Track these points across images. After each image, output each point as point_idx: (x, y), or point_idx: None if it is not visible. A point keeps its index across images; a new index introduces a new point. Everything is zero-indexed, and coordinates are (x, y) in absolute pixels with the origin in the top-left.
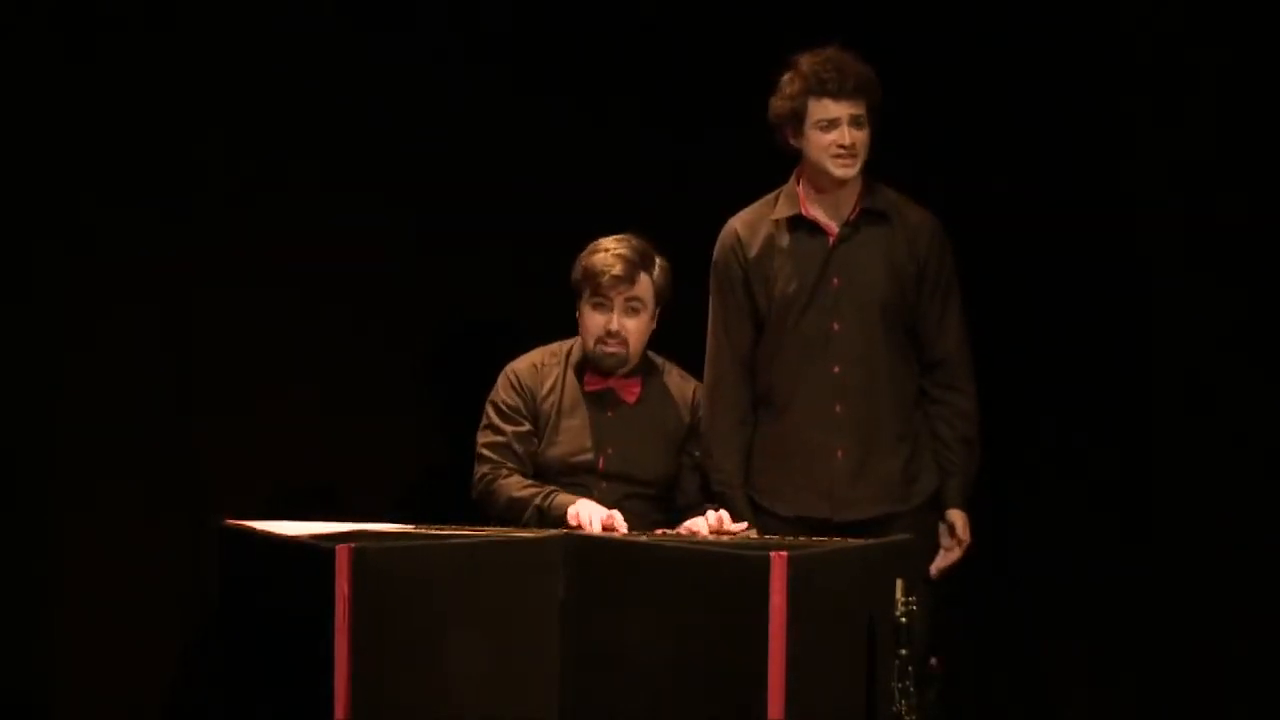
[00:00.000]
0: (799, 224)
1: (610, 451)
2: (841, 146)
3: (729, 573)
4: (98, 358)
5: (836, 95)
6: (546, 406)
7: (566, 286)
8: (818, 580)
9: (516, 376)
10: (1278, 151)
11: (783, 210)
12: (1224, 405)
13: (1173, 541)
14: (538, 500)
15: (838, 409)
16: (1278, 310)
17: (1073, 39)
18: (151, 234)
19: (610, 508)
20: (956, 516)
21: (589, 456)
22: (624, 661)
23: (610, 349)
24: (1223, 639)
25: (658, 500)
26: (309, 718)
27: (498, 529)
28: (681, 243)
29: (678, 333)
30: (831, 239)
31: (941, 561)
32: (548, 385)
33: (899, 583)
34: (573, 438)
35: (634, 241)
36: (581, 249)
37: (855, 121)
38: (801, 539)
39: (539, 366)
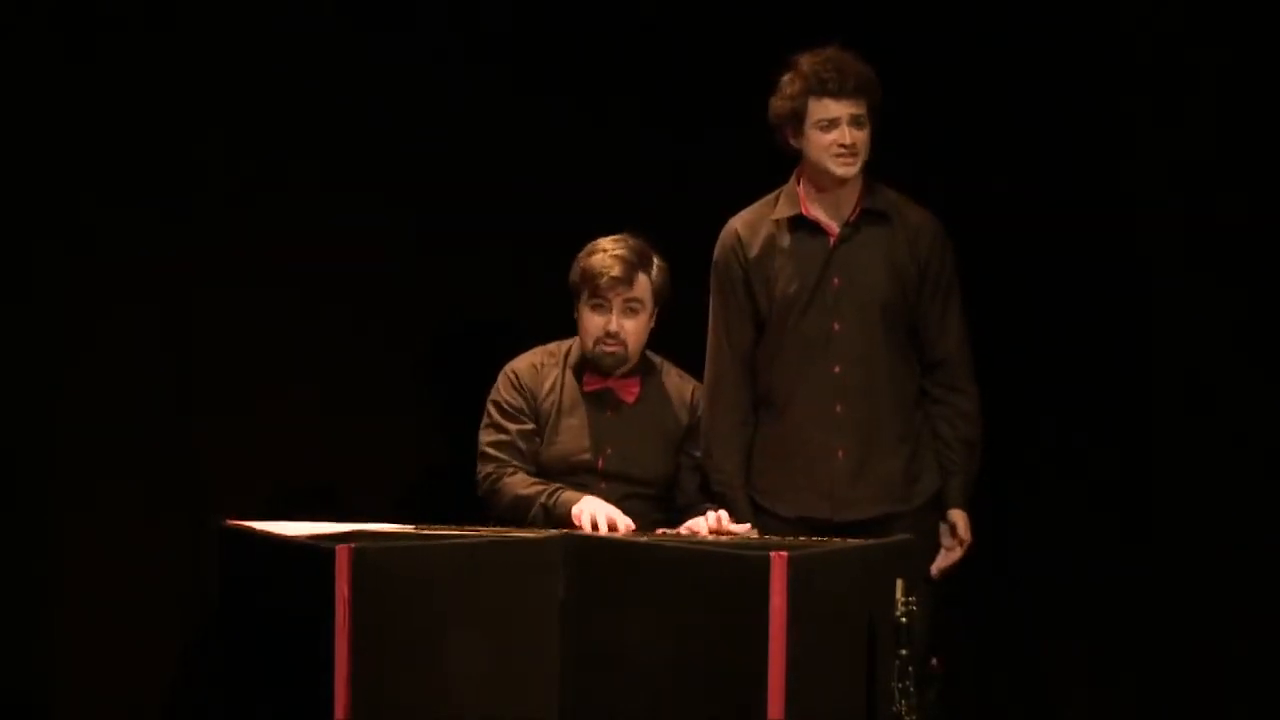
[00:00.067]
0: (800, 224)
1: (609, 451)
2: (842, 146)
3: (729, 573)
4: (98, 358)
5: (836, 95)
6: (546, 406)
7: (566, 286)
8: (818, 580)
9: (517, 376)
10: (1278, 151)
11: (783, 210)
12: (1224, 405)
13: (1173, 541)
14: (543, 498)
15: (838, 409)
16: (1278, 310)
17: (1073, 39)
18: (151, 234)
19: None
20: (958, 517)
21: (588, 456)
22: (624, 662)
23: (609, 350)
24: (1223, 639)
25: (657, 500)
26: (309, 718)
27: (497, 529)
28: (681, 243)
29: (677, 333)
30: (832, 239)
31: (943, 561)
32: (547, 385)
33: (899, 583)
34: (572, 438)
35: (632, 242)
36: (581, 249)
37: (855, 121)
38: (802, 539)
39: (538, 367)
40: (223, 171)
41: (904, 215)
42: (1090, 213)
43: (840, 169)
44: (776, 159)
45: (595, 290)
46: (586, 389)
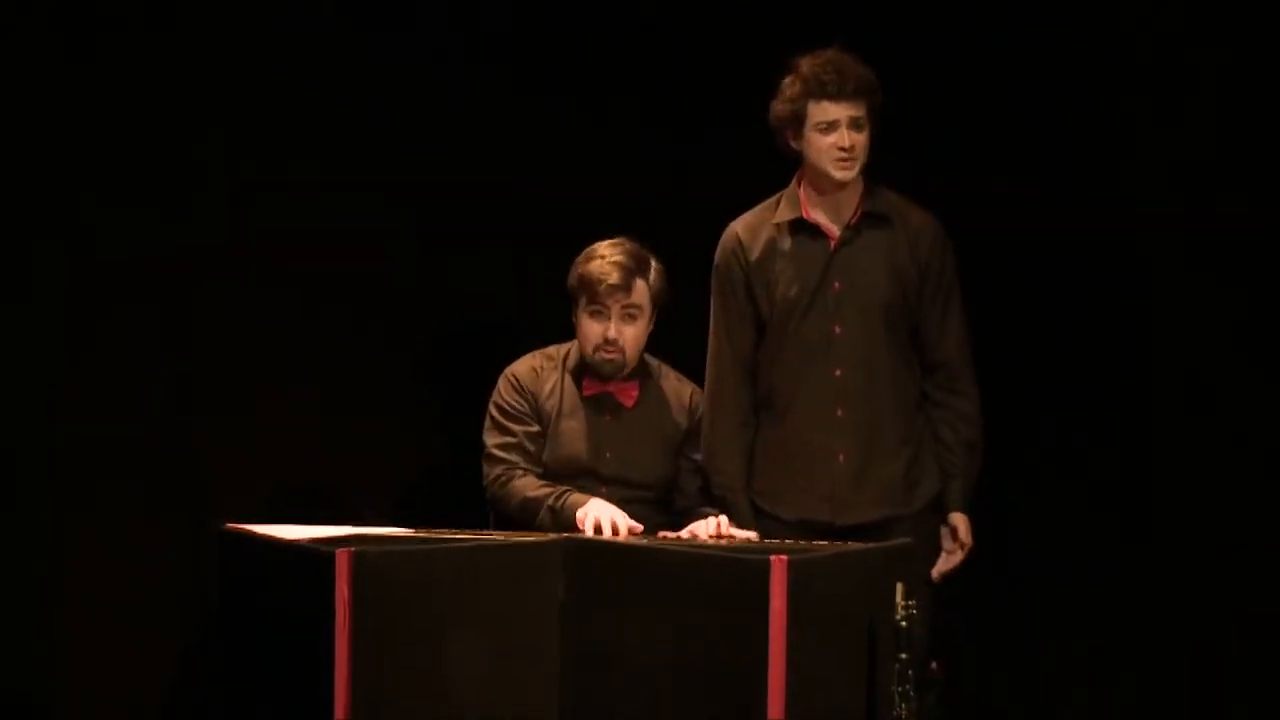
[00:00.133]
0: (800, 227)
1: (609, 455)
2: (841, 149)
3: (729, 577)
4: (98, 358)
5: (836, 97)
6: (547, 409)
7: (565, 288)
8: (818, 584)
9: (517, 379)
10: (1278, 151)
11: (784, 214)
12: (1224, 405)
13: (1173, 541)
14: (550, 500)
15: (839, 412)
16: (1278, 310)
17: (1073, 39)
18: (151, 234)
19: None
20: (958, 520)
21: (588, 461)
22: (624, 663)
23: (609, 356)
24: (1223, 639)
25: (656, 504)
26: None
27: (496, 533)
28: (681, 243)
29: (677, 334)
30: (833, 242)
31: (943, 565)
32: (547, 388)
33: (899, 587)
34: (572, 442)
35: (628, 246)
36: (581, 249)
37: (855, 124)
38: (802, 543)
39: (538, 370)
40: (223, 171)
41: (905, 217)
42: (1090, 213)
43: (839, 172)
44: (777, 160)
45: (593, 297)
46: (585, 393)
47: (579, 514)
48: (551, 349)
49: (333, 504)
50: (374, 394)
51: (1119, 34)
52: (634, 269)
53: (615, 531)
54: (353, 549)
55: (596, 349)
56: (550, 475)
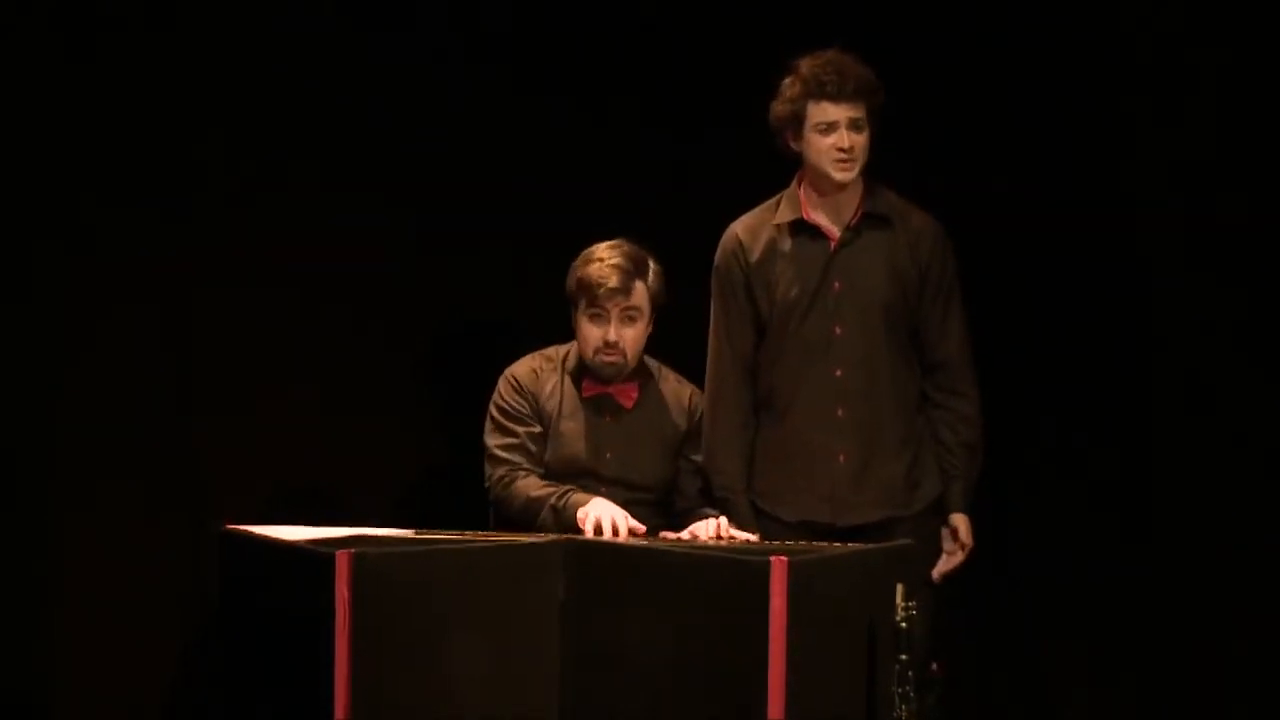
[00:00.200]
0: (801, 228)
1: (609, 457)
2: (840, 150)
3: (729, 577)
4: (98, 358)
5: (835, 98)
6: (548, 411)
7: (564, 289)
8: (818, 586)
9: (517, 380)
10: (1278, 151)
11: (784, 215)
12: (1224, 405)
13: (1173, 541)
14: (553, 500)
15: (839, 413)
16: (1278, 310)
17: (1073, 39)
18: (151, 234)
19: None
20: (959, 521)
21: (589, 462)
22: (624, 663)
23: (609, 360)
24: (1223, 639)
25: (656, 505)
26: None
27: (496, 534)
28: (681, 244)
29: (677, 335)
30: (833, 243)
31: (944, 566)
32: (547, 390)
33: (899, 588)
34: (572, 443)
35: (626, 248)
36: (581, 249)
37: (854, 125)
38: (802, 544)
39: (538, 372)
40: (223, 171)
41: (905, 219)
42: (1090, 213)
43: (839, 174)
44: (777, 160)
45: (593, 301)
46: (585, 394)
47: (580, 513)
48: (550, 350)
49: (333, 504)
50: (374, 394)
51: (1119, 34)
52: (633, 271)
53: (615, 531)
54: (353, 550)
55: (597, 352)
56: (551, 476)
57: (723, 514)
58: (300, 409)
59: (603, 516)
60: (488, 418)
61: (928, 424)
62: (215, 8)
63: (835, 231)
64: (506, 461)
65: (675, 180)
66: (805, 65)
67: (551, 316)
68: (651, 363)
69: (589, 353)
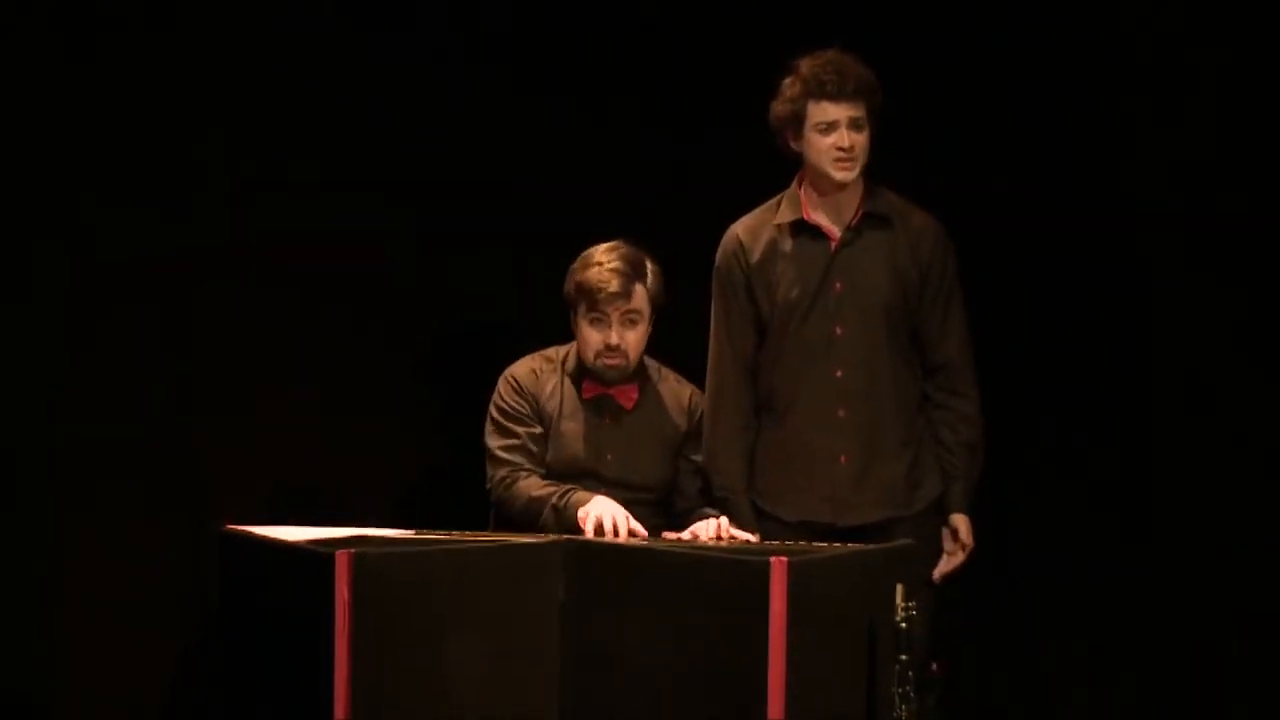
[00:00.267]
0: (801, 229)
1: (609, 458)
2: (840, 149)
3: (729, 578)
4: (98, 358)
5: (835, 98)
6: (548, 411)
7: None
8: (818, 586)
9: (517, 381)
10: (1278, 151)
11: (785, 215)
12: (1224, 405)
13: (1173, 541)
14: (554, 499)
15: (840, 413)
16: (1278, 310)
17: (1073, 39)
18: (151, 234)
19: None
20: (959, 521)
21: (589, 463)
22: (624, 663)
23: (611, 362)
24: (1223, 639)
25: (657, 506)
26: None
27: (496, 534)
28: (681, 244)
29: (676, 336)
30: (834, 244)
31: (945, 566)
32: (548, 391)
33: (899, 588)
34: (572, 444)
35: (624, 250)
36: (581, 250)
37: (854, 124)
38: (802, 544)
39: (537, 373)
40: (223, 171)
41: (906, 219)
42: (1090, 213)
43: (839, 173)
44: (777, 160)
45: (593, 305)
46: (585, 396)
47: (580, 513)
48: (550, 351)
49: (333, 504)
50: (374, 394)
51: (1119, 34)
52: (632, 275)
53: (616, 530)
54: (353, 550)
55: (598, 355)
56: (552, 477)
57: (723, 514)
58: (300, 409)
59: (604, 515)
60: (488, 419)
61: (928, 424)
62: (215, 8)
63: (836, 232)
64: (508, 462)
65: (675, 180)
66: (805, 65)
67: (551, 317)
68: (651, 363)
69: (590, 356)
